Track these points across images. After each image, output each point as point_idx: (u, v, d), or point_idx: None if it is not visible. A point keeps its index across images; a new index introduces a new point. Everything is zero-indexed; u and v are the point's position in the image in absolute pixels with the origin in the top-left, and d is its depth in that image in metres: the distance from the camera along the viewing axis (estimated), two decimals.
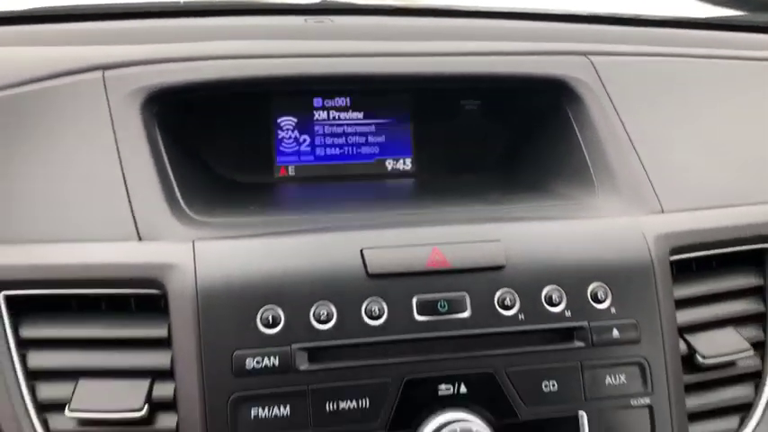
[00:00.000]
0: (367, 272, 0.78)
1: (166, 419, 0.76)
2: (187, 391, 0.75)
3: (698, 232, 0.89)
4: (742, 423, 0.88)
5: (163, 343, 0.77)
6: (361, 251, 0.79)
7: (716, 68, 1.08)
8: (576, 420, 0.78)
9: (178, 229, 0.81)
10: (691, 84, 1.05)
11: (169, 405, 0.76)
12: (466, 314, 0.79)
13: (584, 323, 0.80)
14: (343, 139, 1.19)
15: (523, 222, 0.87)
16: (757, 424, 0.87)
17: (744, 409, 0.89)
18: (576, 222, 0.88)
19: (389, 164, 1.18)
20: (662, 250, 0.85)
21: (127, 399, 0.75)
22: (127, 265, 0.77)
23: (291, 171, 1.17)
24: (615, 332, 0.81)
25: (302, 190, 1.11)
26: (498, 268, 0.80)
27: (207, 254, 0.78)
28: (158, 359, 0.77)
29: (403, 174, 1.17)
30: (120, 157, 0.85)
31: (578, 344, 0.80)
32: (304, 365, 0.75)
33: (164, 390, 0.77)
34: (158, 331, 0.77)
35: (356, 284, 0.77)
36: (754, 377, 0.90)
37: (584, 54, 1.03)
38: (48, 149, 0.85)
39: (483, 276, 0.80)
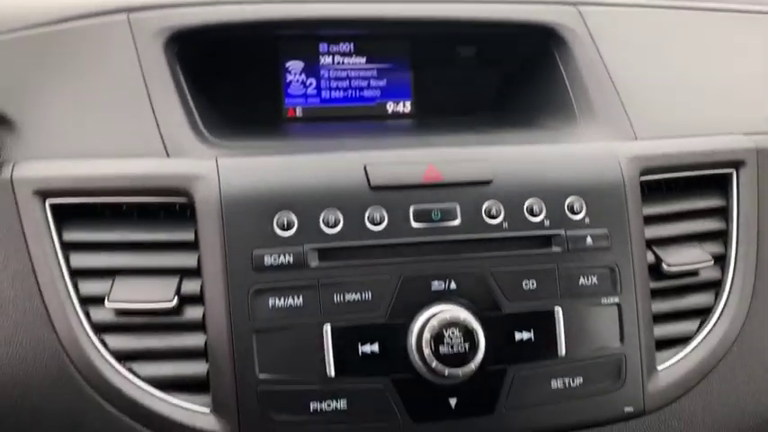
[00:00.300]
0: (369, 184, 0.88)
1: (194, 311, 0.87)
2: (212, 285, 0.85)
3: (666, 156, 0.99)
4: (701, 325, 0.99)
5: (190, 245, 0.88)
6: (365, 166, 0.89)
7: (700, 18, 1.18)
8: (552, 315, 0.89)
9: (202, 148, 0.92)
10: (673, 31, 1.15)
11: (196, 299, 0.87)
12: (456, 222, 0.89)
13: (561, 231, 0.91)
14: (347, 82, 1.28)
15: (510, 146, 0.97)
16: (713, 326, 0.98)
17: (703, 314, 0.99)
18: (557, 146, 0.98)
19: (390, 106, 1.28)
20: (632, 170, 0.96)
21: (159, 293, 0.86)
22: (159, 175, 0.88)
23: (299, 112, 1.27)
24: (588, 239, 0.92)
25: (309, 127, 1.21)
26: (486, 183, 0.91)
27: (228, 167, 0.88)
28: (186, 260, 0.88)
29: (403, 115, 1.27)
30: (147, 86, 0.95)
31: (555, 249, 0.91)
32: (315, 263, 0.86)
33: (191, 286, 0.87)
34: (186, 235, 0.88)
35: (360, 195, 0.88)
36: (714, 286, 1.01)
37: (573, 4, 1.12)
38: (80, 80, 0.95)
39: (472, 190, 0.90)
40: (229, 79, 1.19)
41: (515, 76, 1.22)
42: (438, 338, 0.84)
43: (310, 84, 1.27)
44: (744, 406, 0.98)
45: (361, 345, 0.85)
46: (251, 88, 1.21)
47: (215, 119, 1.06)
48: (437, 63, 1.26)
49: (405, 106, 1.29)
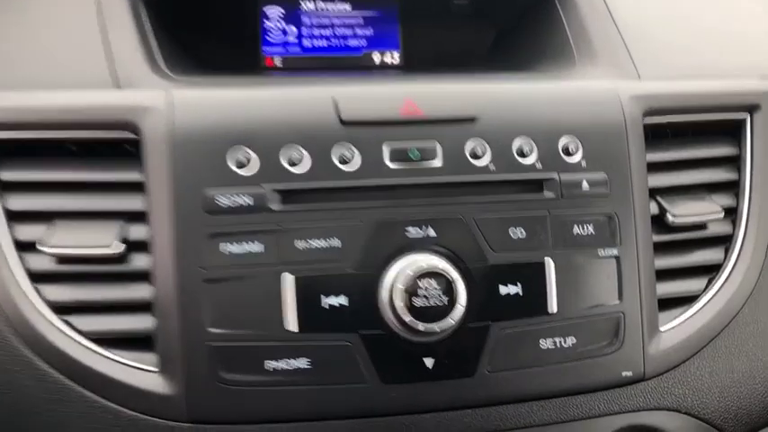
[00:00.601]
0: (340, 119, 0.79)
1: (140, 260, 0.78)
2: (160, 229, 0.76)
3: (672, 96, 0.89)
4: (709, 283, 0.89)
5: (137, 187, 0.79)
6: (334, 99, 0.80)
7: None
8: (542, 267, 0.79)
9: (155, 80, 0.83)
10: None
11: (143, 246, 0.78)
12: (437, 163, 0.80)
13: (554, 175, 0.81)
14: (331, 30, 1.19)
15: (498, 82, 0.88)
16: (723, 284, 0.88)
17: (712, 271, 0.90)
18: (551, 82, 0.89)
19: (377, 57, 1.19)
20: (635, 110, 0.86)
21: (102, 238, 0.77)
22: (105, 107, 0.79)
23: (278, 62, 1.18)
24: (585, 185, 0.82)
25: (287, 75, 1.12)
26: (470, 120, 0.81)
27: (181, 99, 0.79)
28: (133, 202, 0.79)
29: (391, 67, 1.18)
30: (101, 14, 0.86)
31: (547, 194, 0.81)
32: (276, 205, 0.77)
33: (138, 232, 0.79)
34: (133, 175, 0.79)
35: (328, 130, 0.79)
36: (724, 241, 0.91)
37: None
38: (29, 6, 0.86)
39: (455, 127, 0.81)
40: (203, 25, 1.10)
41: (512, 29, 1.13)
42: (412, 290, 0.74)
43: (290, 31, 1.18)
44: (755, 372, 0.88)
45: (327, 297, 0.76)
46: (226, 35, 1.12)
47: (183, 64, 0.97)
48: (429, 13, 1.16)
49: (393, 57, 1.19)
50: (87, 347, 0.77)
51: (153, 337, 0.77)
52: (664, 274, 0.87)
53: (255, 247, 0.76)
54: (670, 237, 0.88)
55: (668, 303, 0.87)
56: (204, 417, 0.75)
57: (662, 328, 0.85)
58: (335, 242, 0.77)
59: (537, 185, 0.81)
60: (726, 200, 0.92)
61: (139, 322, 0.78)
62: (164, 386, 0.75)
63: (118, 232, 0.78)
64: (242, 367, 0.75)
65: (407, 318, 0.74)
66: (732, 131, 0.94)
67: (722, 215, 0.89)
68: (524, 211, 0.80)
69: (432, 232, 0.78)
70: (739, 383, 0.87)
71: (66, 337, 0.76)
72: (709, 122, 0.92)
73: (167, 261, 0.76)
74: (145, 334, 0.77)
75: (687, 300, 0.88)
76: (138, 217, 0.79)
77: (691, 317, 0.86)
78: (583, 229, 0.81)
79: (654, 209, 0.87)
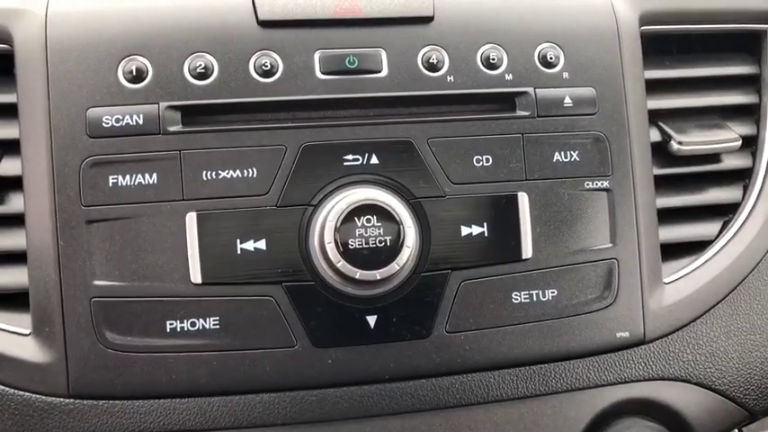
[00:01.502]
0: (257, 18, 0.63)
1: (14, 200, 0.63)
2: (34, 157, 0.61)
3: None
4: (724, 227, 0.72)
5: (10, 111, 0.63)
6: None
7: None
8: (514, 202, 0.63)
9: None
10: None
11: (18, 183, 0.63)
12: (382, 74, 0.64)
13: (530, 89, 0.65)
14: None
15: None
16: (741, 227, 0.72)
17: (727, 213, 0.73)
18: None
19: None
20: (629, 14, 0.70)
21: None
22: None
23: None
24: (567, 100, 0.66)
25: None
26: (424, 20, 0.65)
27: (62, 1, 0.63)
28: (5, 130, 0.64)
29: None
30: None
31: (521, 113, 0.65)
32: (175, 126, 0.61)
33: (12, 166, 0.63)
34: (6, 97, 0.64)
35: (243, 34, 0.63)
36: (742, 177, 0.75)
37: None
38: None
39: (405, 31, 0.65)
40: None
41: None
42: (347, 229, 0.58)
43: None
44: None
45: (241, 240, 0.60)
46: None
47: None
48: None
49: None
50: None
51: (29, 295, 0.61)
52: (669, 215, 0.70)
53: (149, 179, 0.60)
54: (676, 170, 0.72)
55: (675, 251, 0.71)
56: (89, 390, 0.60)
57: (666, 280, 0.69)
58: (251, 172, 0.61)
59: (508, 102, 0.65)
60: (744, 128, 0.76)
61: (13, 276, 0.62)
62: (39, 352, 0.60)
63: None
64: (135, 328, 0.60)
65: (340, 263, 0.58)
66: (749, 47, 0.77)
67: (739, 144, 0.73)
68: (492, 133, 0.64)
69: (374, 159, 0.63)
70: (764, 347, 0.70)
71: None
72: (720, 35, 0.76)
73: (43, 198, 0.60)
74: (19, 290, 0.62)
75: (697, 246, 0.72)
76: (13, 148, 0.63)
77: (702, 266, 0.70)
78: (565, 155, 0.65)
79: (655, 136, 0.71)
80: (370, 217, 0.59)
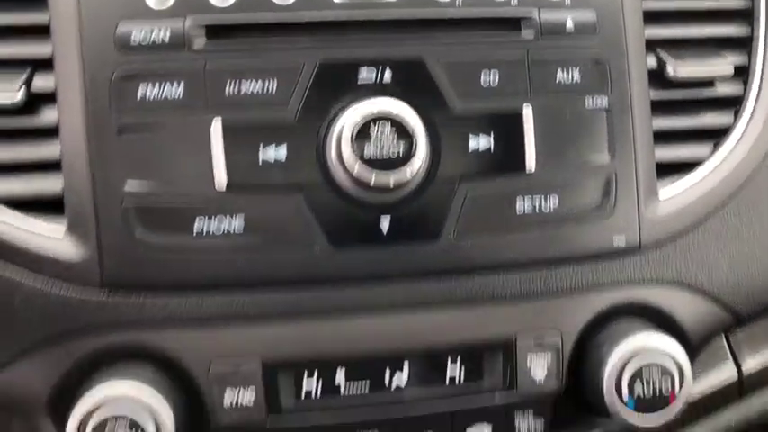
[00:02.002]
0: None
1: (49, 112, 0.67)
2: (66, 73, 0.65)
3: None
4: (714, 148, 0.77)
5: (44, 31, 0.67)
6: None
7: None
8: (518, 117, 0.67)
9: None
10: None
11: (51, 97, 0.66)
12: None
13: (533, 12, 0.69)
14: None
15: None
16: (732, 149, 0.76)
17: (719, 136, 0.77)
18: None
19: None
20: None
21: (5, 87, 0.66)
22: None
23: None
24: (569, 24, 0.70)
25: None
26: None
27: None
28: (40, 48, 0.67)
29: None
30: None
31: (526, 34, 0.69)
32: (200, 43, 0.65)
33: (46, 81, 0.67)
34: (40, 17, 0.67)
35: None
36: (733, 104, 0.79)
37: None
38: None
39: None
40: None
41: None
42: (363, 137, 0.62)
43: None
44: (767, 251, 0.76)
45: (263, 149, 0.64)
46: None
47: None
48: None
49: None
50: None
51: (64, 199, 0.65)
52: (664, 137, 0.74)
53: (176, 90, 0.64)
54: (671, 93, 0.76)
55: (669, 170, 0.75)
56: (120, 284, 0.64)
57: (661, 197, 0.73)
58: (272, 85, 0.65)
59: (513, 24, 0.69)
60: (736, 57, 0.79)
61: (48, 184, 0.66)
62: (74, 251, 0.64)
63: (23, 80, 0.66)
64: (163, 229, 0.64)
65: (355, 171, 0.62)
66: None
67: (732, 71, 0.77)
68: (498, 52, 0.68)
69: (387, 75, 0.66)
70: (751, 257, 0.75)
71: None
72: None
73: (76, 110, 0.64)
74: (54, 196, 0.66)
75: (690, 168, 0.76)
76: (45, 64, 0.67)
77: (694, 183, 0.74)
78: (567, 74, 0.69)
79: (652, 62, 0.75)
80: (383, 128, 0.63)
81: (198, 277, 0.64)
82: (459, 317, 0.68)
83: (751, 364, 0.84)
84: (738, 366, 0.84)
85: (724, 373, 0.83)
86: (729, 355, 0.83)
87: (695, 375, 0.76)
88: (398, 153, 0.63)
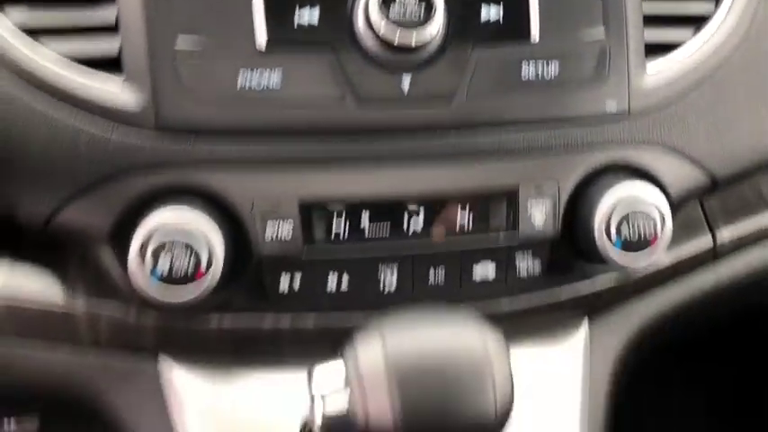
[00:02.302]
0: None
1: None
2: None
3: None
4: (696, 32, 0.85)
5: None
6: None
7: None
8: None
9: None
10: None
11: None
12: None
13: None
14: None
15: None
16: (713, 33, 0.85)
17: (699, 22, 0.86)
18: None
19: None
20: None
21: None
22: None
23: None
24: None
25: None
26: None
27: None
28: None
29: None
30: None
31: None
32: None
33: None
34: None
35: None
36: None
37: None
38: None
39: None
40: None
41: None
42: (387, 6, 0.71)
43: None
44: (741, 116, 0.85)
45: (299, 10, 0.72)
46: None
47: None
48: None
49: None
50: (53, 68, 0.73)
51: (121, 56, 0.73)
52: (652, 21, 0.83)
53: None
54: None
55: (655, 51, 0.84)
56: (172, 126, 0.72)
57: (648, 71, 0.82)
58: None
59: None
60: None
61: (106, 44, 0.74)
62: (132, 100, 0.72)
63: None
64: (210, 80, 0.72)
65: (382, 28, 0.71)
66: None
67: None
68: None
69: None
70: (725, 127, 0.84)
71: (32, 58, 0.73)
72: None
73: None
74: (111, 56, 0.74)
75: (674, 49, 0.85)
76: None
77: (678, 61, 0.83)
78: None
79: None
80: None
81: (241, 125, 0.73)
82: (468, 168, 0.77)
83: (725, 234, 0.95)
84: (713, 235, 0.94)
85: (700, 242, 0.94)
86: (705, 223, 0.93)
87: (673, 244, 0.87)
88: (420, 16, 0.71)
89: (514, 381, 0.61)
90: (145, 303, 0.75)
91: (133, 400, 0.81)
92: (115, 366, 0.81)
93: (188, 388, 0.80)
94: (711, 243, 0.93)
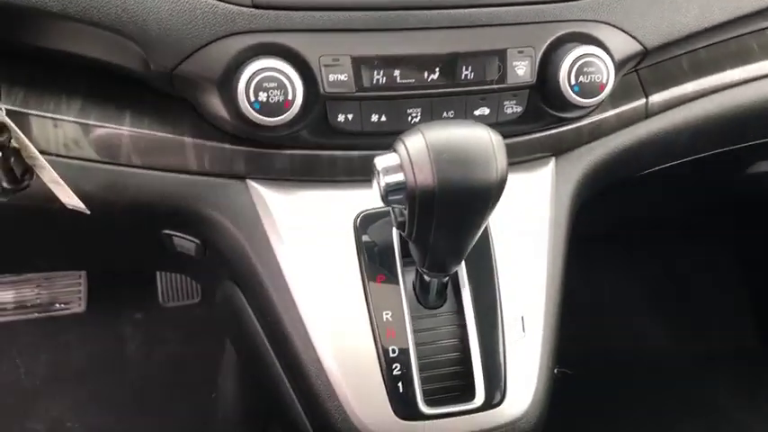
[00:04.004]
0: None
1: None
2: None
3: None
4: None
5: None
6: None
7: None
8: None
9: None
10: None
11: None
12: None
13: None
14: None
15: None
16: None
17: None
18: None
19: None
20: None
21: None
22: None
23: None
24: None
25: None
26: None
27: None
28: None
29: None
30: None
31: None
32: None
33: None
34: None
35: None
36: None
37: None
38: None
39: None
40: None
41: None
42: None
43: None
44: (663, 3, 1.14)
45: None
46: None
47: None
48: None
49: None
50: None
51: None
52: None
53: None
54: None
55: None
56: (264, 3, 1.00)
57: None
58: None
59: None
60: None
61: None
62: None
63: None
64: None
65: None
66: None
67: None
68: None
69: None
70: (653, 8, 1.14)
71: None
72: None
73: None
74: None
75: None
76: None
77: None
78: None
79: None
80: None
81: (311, 2, 1.02)
82: (468, 34, 1.05)
83: (655, 98, 1.27)
84: (647, 98, 1.26)
85: (637, 103, 1.25)
86: (641, 89, 1.25)
87: (617, 103, 1.19)
88: None
89: (506, 164, 0.91)
90: (238, 138, 1.05)
91: (230, 204, 1.11)
92: (216, 184, 1.11)
93: (268, 196, 1.11)
94: (645, 104, 1.26)
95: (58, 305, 2.19)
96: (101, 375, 2.16)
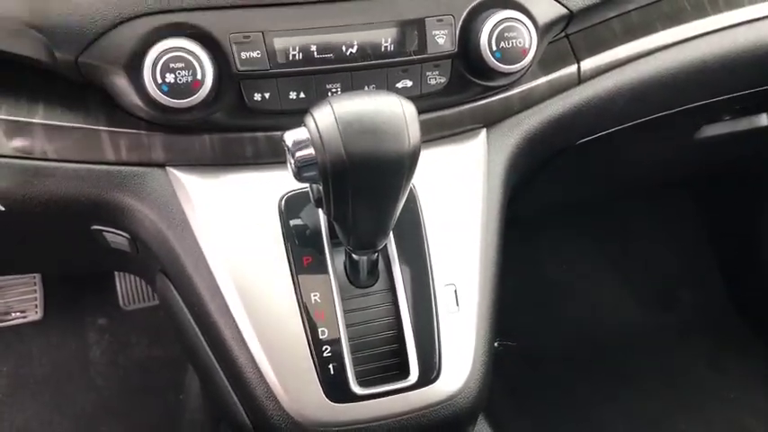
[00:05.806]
0: None
1: None
2: None
3: None
4: None
5: None
6: None
7: None
8: None
9: None
10: None
11: None
12: None
13: None
14: None
15: None
16: None
17: None
18: None
19: None
20: None
21: None
22: None
23: None
24: None
25: None
26: None
27: None
28: None
29: None
30: None
31: None
32: None
33: None
34: None
35: None
36: None
37: None
38: None
39: None
40: None
41: None
42: None
43: None
44: None
45: None
46: None
47: None
48: None
49: None
50: None
51: None
52: None
53: None
54: None
55: None
56: None
57: None
58: None
59: None
60: None
61: None
62: None
63: None
64: None
65: None
66: None
67: None
68: None
69: None
70: None
71: None
72: None
73: None
74: None
75: None
76: None
77: None
78: None
79: None
80: None
81: None
82: (384, 4, 1.03)
83: (587, 64, 1.25)
84: (578, 64, 1.24)
85: (569, 69, 1.23)
86: (572, 55, 1.23)
87: (548, 70, 1.17)
88: None
89: (420, 133, 0.88)
90: (154, 125, 1.02)
91: (150, 194, 1.08)
92: (135, 173, 1.08)
93: (189, 183, 1.08)
94: (577, 70, 1.24)
95: (13, 314, 2.15)
96: (65, 383, 2.13)
